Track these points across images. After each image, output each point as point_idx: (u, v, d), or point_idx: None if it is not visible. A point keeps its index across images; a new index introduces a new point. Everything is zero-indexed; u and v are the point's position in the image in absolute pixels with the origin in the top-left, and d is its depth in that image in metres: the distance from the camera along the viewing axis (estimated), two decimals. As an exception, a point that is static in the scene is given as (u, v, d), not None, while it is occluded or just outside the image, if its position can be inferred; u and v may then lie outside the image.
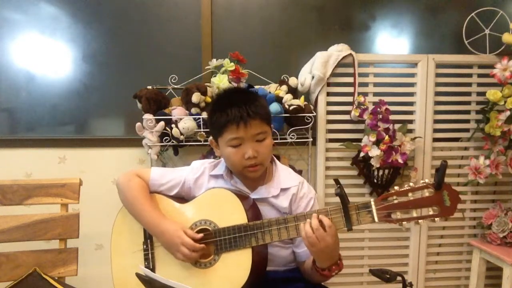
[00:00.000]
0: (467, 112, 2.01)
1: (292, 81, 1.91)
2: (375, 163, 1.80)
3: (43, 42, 2.01)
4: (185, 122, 1.76)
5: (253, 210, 1.14)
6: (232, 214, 1.11)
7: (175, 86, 1.92)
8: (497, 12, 1.98)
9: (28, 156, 1.95)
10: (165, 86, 1.93)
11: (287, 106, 1.83)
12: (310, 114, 1.85)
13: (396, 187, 1.01)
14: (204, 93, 1.82)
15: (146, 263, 1.18)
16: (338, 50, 1.91)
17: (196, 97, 1.78)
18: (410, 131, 1.97)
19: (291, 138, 1.86)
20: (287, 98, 1.86)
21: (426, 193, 0.98)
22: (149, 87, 1.88)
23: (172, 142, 1.80)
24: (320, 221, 1.01)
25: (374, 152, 1.78)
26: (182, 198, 1.24)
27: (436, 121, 1.99)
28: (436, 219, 0.97)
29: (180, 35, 2.07)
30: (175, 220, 1.16)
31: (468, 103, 2.01)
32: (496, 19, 1.97)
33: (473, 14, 1.97)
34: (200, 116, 1.79)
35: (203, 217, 1.15)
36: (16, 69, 2.00)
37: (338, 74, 1.93)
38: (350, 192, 1.94)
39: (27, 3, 1.98)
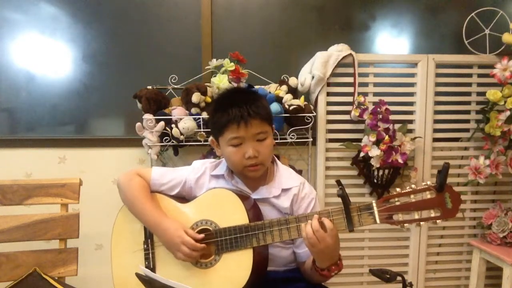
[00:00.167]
0: (467, 112, 2.01)
1: (292, 81, 1.91)
2: (375, 163, 1.80)
3: (43, 42, 2.01)
4: (185, 122, 1.76)
5: (254, 210, 1.14)
6: (233, 214, 1.11)
7: (175, 86, 1.92)
8: (497, 12, 1.98)
9: (28, 156, 1.95)
10: (165, 86, 1.93)
11: (287, 106, 1.83)
12: (310, 114, 1.85)
13: (398, 189, 1.00)
14: (204, 93, 1.82)
15: (146, 263, 1.18)
16: (338, 50, 1.92)
17: (196, 97, 1.78)
18: (410, 131, 1.97)
19: (291, 138, 1.86)
20: (287, 98, 1.86)
21: (428, 195, 0.98)
22: (149, 87, 1.88)
23: (172, 142, 1.80)
24: (321, 222, 1.01)
25: (374, 152, 1.78)
26: (183, 198, 1.24)
27: (436, 121, 1.99)
28: (437, 221, 0.97)
29: (180, 35, 2.07)
30: (176, 220, 1.15)
31: (468, 103, 2.01)
32: (496, 19, 1.97)
33: (473, 14, 1.97)
34: (200, 116, 1.79)
35: (204, 217, 1.15)
36: (16, 69, 2.00)
37: (338, 74, 1.93)
38: (350, 192, 1.93)
39: (27, 3, 1.98)
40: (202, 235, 1.10)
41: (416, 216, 0.98)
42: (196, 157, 1.87)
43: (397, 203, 0.99)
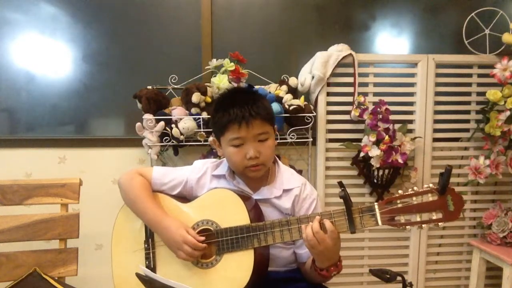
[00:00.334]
0: (467, 112, 2.01)
1: (292, 81, 1.91)
2: (375, 163, 1.80)
3: (43, 42, 2.01)
4: (185, 122, 1.76)
5: (255, 210, 1.14)
6: (234, 215, 1.11)
7: (175, 86, 1.92)
8: (497, 12, 1.98)
9: (28, 156, 1.95)
10: (165, 86, 1.93)
11: (287, 106, 1.83)
12: (310, 114, 1.85)
13: (400, 191, 1.00)
14: (204, 93, 1.82)
15: (147, 262, 1.18)
16: (338, 50, 1.92)
17: (196, 97, 1.78)
18: (410, 131, 1.97)
19: (291, 138, 1.86)
20: (287, 98, 1.86)
21: (430, 197, 0.97)
22: (149, 87, 1.88)
23: (172, 142, 1.80)
24: (322, 224, 1.01)
25: (374, 152, 1.78)
26: (184, 197, 1.24)
27: (436, 121, 1.99)
28: (439, 223, 0.97)
29: (180, 35, 2.07)
30: (177, 219, 1.15)
31: (468, 103, 2.01)
32: (496, 19, 1.97)
33: (473, 14, 1.97)
34: (200, 116, 1.79)
35: (205, 217, 1.15)
36: (16, 69, 2.00)
37: (338, 74, 1.93)
38: (350, 192, 1.88)
39: (27, 3, 1.98)
40: (203, 238, 1.10)
41: (418, 219, 0.98)
42: (196, 157, 1.87)
43: (399, 205, 0.99)
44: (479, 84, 1.99)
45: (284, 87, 1.89)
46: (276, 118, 1.75)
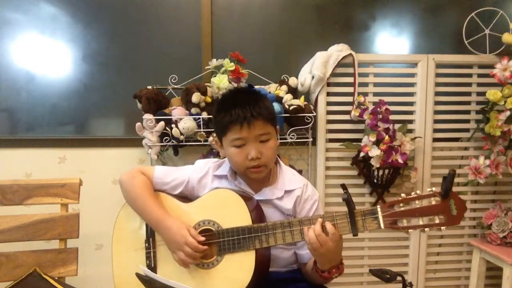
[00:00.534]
0: (467, 112, 2.01)
1: (292, 81, 1.92)
2: (375, 163, 1.80)
3: (43, 42, 2.01)
4: (185, 122, 1.76)
5: (257, 211, 1.14)
6: (236, 215, 1.10)
7: (175, 86, 1.92)
8: (497, 12, 1.98)
9: (28, 156, 1.95)
10: (165, 86, 1.93)
11: (287, 106, 1.83)
12: (310, 114, 1.85)
13: (403, 194, 1.00)
14: (204, 93, 1.82)
15: (147, 262, 1.18)
16: (338, 50, 1.92)
17: (196, 97, 1.78)
18: (410, 131, 1.97)
19: (291, 138, 1.86)
20: (287, 98, 1.86)
21: (433, 201, 0.97)
22: (149, 87, 1.88)
23: (172, 142, 1.80)
24: (323, 227, 1.01)
25: (374, 152, 1.78)
26: (185, 197, 1.24)
27: (436, 121, 1.99)
28: (442, 227, 0.97)
29: (180, 35, 2.07)
30: (179, 219, 1.15)
31: (468, 103, 2.01)
32: (496, 19, 1.97)
33: (473, 14, 1.97)
34: (200, 116, 1.79)
35: (206, 217, 1.14)
36: (16, 69, 2.00)
37: (338, 74, 1.93)
38: (350, 192, 1.91)
39: (27, 3, 1.98)
40: (203, 238, 1.10)
41: (421, 222, 0.98)
42: (196, 157, 1.87)
43: (402, 209, 0.99)
44: (479, 84, 1.99)
45: (284, 87, 1.89)
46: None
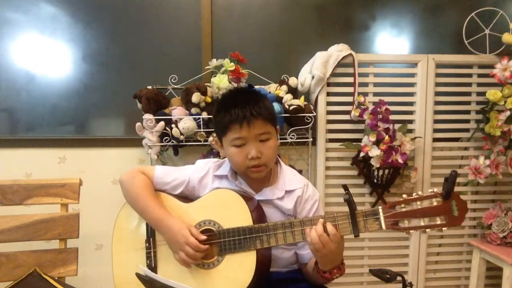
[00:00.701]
0: (467, 112, 2.01)
1: (292, 81, 1.92)
2: (375, 163, 1.80)
3: (43, 42, 2.01)
4: (185, 122, 1.76)
5: (257, 211, 1.14)
6: (237, 215, 1.10)
7: (175, 86, 1.92)
8: (497, 12, 1.98)
9: (28, 156, 1.95)
10: (165, 86, 1.93)
11: (287, 106, 1.83)
12: (310, 114, 1.85)
13: (404, 195, 1.00)
14: (204, 93, 1.82)
15: (148, 262, 1.17)
16: (338, 50, 1.92)
17: (196, 97, 1.78)
18: (410, 131, 1.97)
19: (291, 138, 1.86)
20: (287, 98, 1.86)
21: (434, 202, 0.97)
22: (149, 87, 1.88)
23: (172, 142, 1.80)
24: (325, 227, 1.01)
25: (374, 152, 1.78)
26: (186, 197, 1.24)
27: (436, 121, 1.99)
28: (443, 228, 0.97)
29: (180, 35, 2.07)
30: (180, 218, 1.15)
31: (468, 103, 2.01)
32: (496, 19, 1.98)
33: (473, 14, 1.97)
34: (200, 116, 1.79)
35: (207, 217, 1.14)
36: (16, 69, 2.00)
37: (338, 74, 1.93)
38: (350, 192, 1.93)
39: (27, 3, 1.98)
40: (205, 236, 1.10)
41: (422, 223, 0.97)
42: (196, 157, 1.87)
43: (403, 210, 0.98)
44: (479, 84, 1.99)
45: (284, 87, 1.89)
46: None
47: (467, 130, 2.01)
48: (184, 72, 1.95)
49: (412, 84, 1.98)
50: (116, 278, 1.21)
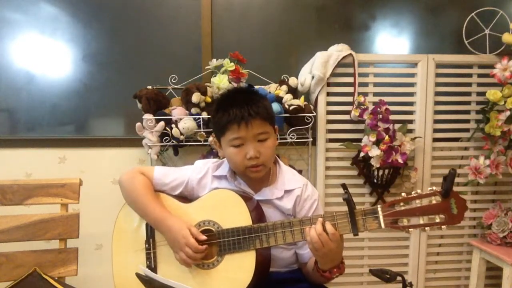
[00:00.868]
0: (467, 112, 2.01)
1: (292, 81, 1.91)
2: (375, 163, 1.80)
3: (43, 42, 2.01)
4: (185, 122, 1.76)
5: (257, 211, 1.14)
6: (236, 215, 1.10)
7: (175, 86, 1.92)
8: (497, 12, 1.98)
9: (28, 156, 1.95)
10: (165, 86, 1.93)
11: (287, 106, 1.83)
12: (310, 114, 1.85)
13: (403, 194, 1.00)
14: (204, 93, 1.82)
15: (148, 262, 1.18)
16: (338, 50, 1.92)
17: (196, 97, 1.78)
18: (410, 131, 1.97)
19: (291, 138, 1.86)
20: (287, 98, 1.86)
21: (434, 200, 0.97)
22: (149, 87, 1.88)
23: (172, 142, 1.80)
24: (324, 226, 1.01)
25: (374, 152, 1.78)
26: (185, 197, 1.24)
27: (436, 121, 1.99)
28: (443, 227, 0.97)
29: (180, 35, 2.07)
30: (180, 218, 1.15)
31: (468, 103, 2.01)
32: (496, 19, 1.97)
33: (473, 14, 1.97)
34: (200, 116, 1.79)
35: (206, 217, 1.14)
36: (16, 69, 2.00)
37: (338, 74, 1.93)
38: (350, 192, 1.93)
39: (27, 3, 1.98)
40: (205, 236, 1.10)
41: (421, 222, 0.98)
42: (196, 157, 1.87)
43: (403, 208, 0.99)
44: (479, 84, 1.99)
45: (284, 87, 1.89)
46: (276, 118, 1.77)
47: (467, 130, 2.01)
48: (184, 72, 1.95)
49: (412, 84, 1.98)
50: (116, 279, 1.21)
